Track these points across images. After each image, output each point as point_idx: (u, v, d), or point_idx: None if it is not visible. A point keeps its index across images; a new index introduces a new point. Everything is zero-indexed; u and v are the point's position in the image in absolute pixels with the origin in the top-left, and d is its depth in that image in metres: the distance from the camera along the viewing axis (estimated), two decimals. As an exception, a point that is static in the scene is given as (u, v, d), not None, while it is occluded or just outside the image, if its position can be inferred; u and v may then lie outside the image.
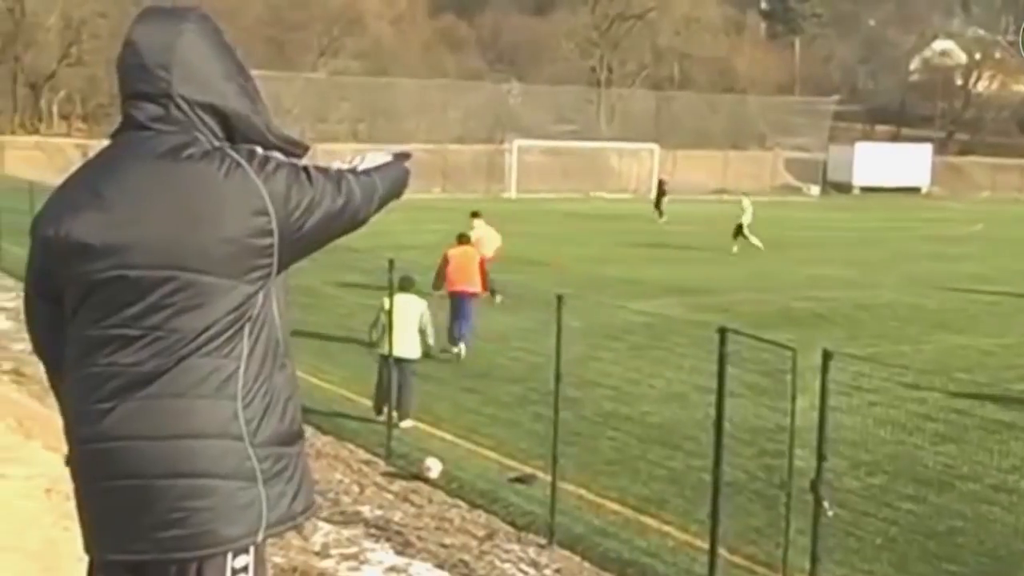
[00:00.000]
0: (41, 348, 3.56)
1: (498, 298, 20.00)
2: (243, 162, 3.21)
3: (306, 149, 3.51)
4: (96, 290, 3.22)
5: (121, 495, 3.21)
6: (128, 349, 3.18)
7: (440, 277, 17.94)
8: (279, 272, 3.32)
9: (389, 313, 13.02)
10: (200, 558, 3.19)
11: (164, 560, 3.21)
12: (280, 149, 3.39)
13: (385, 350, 13.07)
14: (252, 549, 3.27)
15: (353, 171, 3.48)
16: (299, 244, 3.31)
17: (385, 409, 12.80)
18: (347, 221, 3.43)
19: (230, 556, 3.21)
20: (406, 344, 13.27)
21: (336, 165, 3.50)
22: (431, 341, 13.82)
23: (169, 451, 3.17)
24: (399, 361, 13.10)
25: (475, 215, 22.57)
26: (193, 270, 3.15)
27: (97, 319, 3.23)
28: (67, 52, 65.05)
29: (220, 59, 3.32)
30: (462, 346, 17.29)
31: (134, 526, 3.21)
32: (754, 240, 34.53)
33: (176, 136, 3.22)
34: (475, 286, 18.09)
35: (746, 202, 35.95)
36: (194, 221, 3.14)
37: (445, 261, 18.17)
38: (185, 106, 3.24)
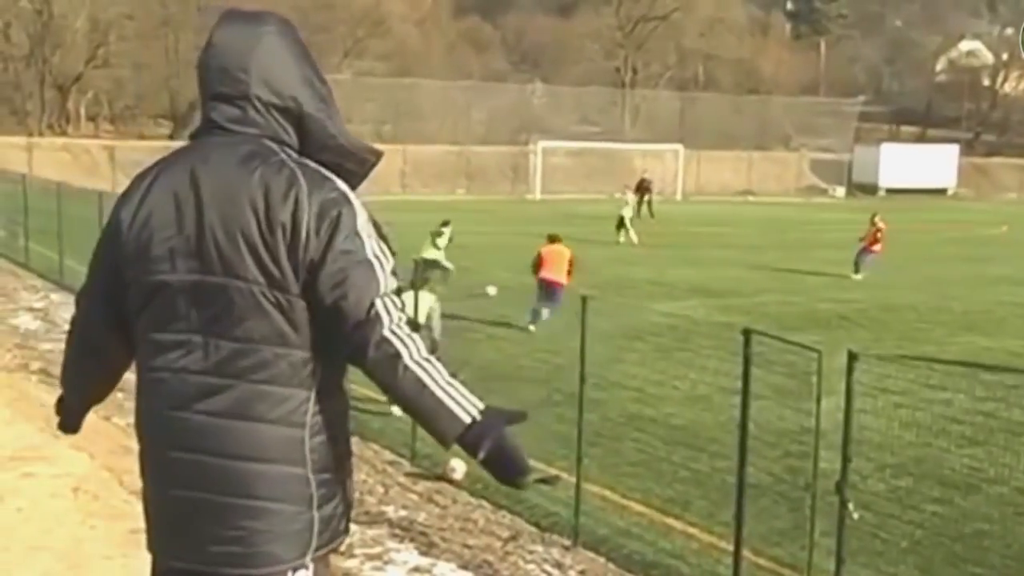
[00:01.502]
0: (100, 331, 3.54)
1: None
2: (303, 186, 3.19)
3: (379, 155, 3.51)
4: (162, 293, 3.27)
5: (185, 505, 3.27)
6: (195, 356, 3.23)
7: (536, 267, 20.89)
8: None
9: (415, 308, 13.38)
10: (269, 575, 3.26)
11: (216, 574, 3.27)
12: (351, 154, 3.43)
13: None
14: (311, 564, 3.32)
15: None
16: (312, 302, 3.20)
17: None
18: (356, 339, 3.17)
19: (290, 572, 3.27)
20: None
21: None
22: (436, 335, 14.13)
23: (237, 472, 3.22)
24: None
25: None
26: (252, 281, 3.18)
27: (164, 323, 3.27)
28: (94, 54, 65.41)
29: (298, 63, 3.35)
30: (532, 327, 19.70)
31: (193, 537, 3.27)
32: (632, 235, 36.48)
33: (253, 141, 3.27)
34: (562, 278, 20.53)
35: (629, 196, 39.49)
36: (258, 234, 3.17)
37: (539, 257, 21.00)
38: (262, 108, 3.29)
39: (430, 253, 24.15)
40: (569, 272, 20.73)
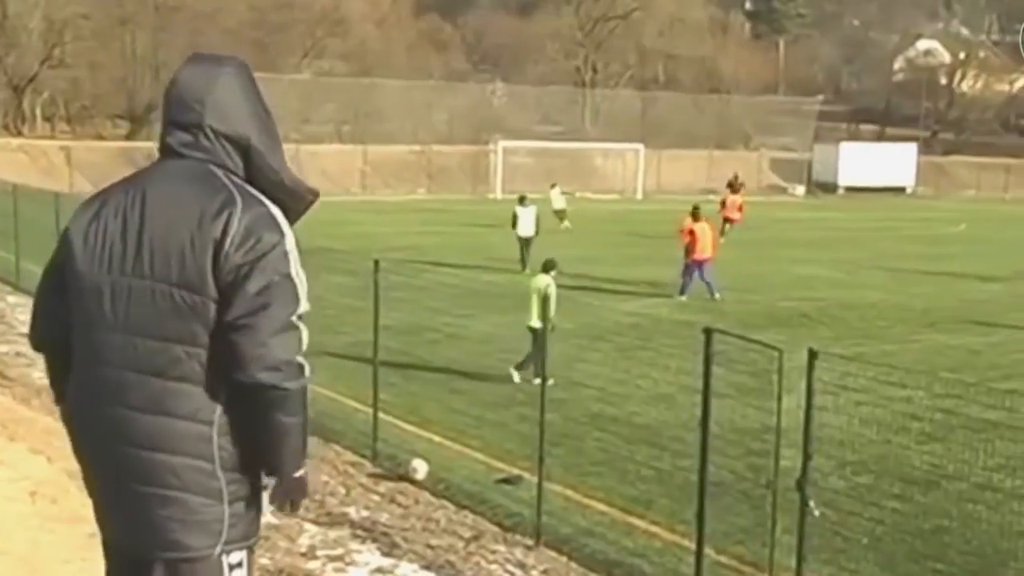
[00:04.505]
0: (50, 341, 3.94)
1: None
2: (237, 203, 3.59)
3: (317, 195, 3.95)
4: (96, 295, 3.66)
5: (110, 493, 3.71)
6: (117, 353, 3.60)
7: (690, 246, 24.51)
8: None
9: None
10: (191, 559, 3.62)
11: (137, 555, 3.68)
12: (291, 191, 3.85)
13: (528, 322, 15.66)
14: (246, 548, 3.72)
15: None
16: (231, 306, 3.53)
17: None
18: (249, 342, 3.53)
19: (224, 555, 3.64)
20: (536, 316, 15.25)
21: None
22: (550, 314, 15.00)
23: (151, 463, 3.58)
24: (535, 330, 15.22)
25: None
26: (175, 284, 3.56)
27: (94, 322, 3.66)
28: (50, 54, 64.74)
29: (249, 101, 3.80)
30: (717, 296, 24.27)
31: (118, 520, 3.73)
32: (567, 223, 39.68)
33: (200, 165, 3.70)
34: (710, 252, 24.65)
35: (554, 192, 42.88)
36: (189, 244, 3.56)
37: (693, 235, 24.49)
38: (212, 136, 3.71)
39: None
40: (713, 244, 24.70)
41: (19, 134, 64.14)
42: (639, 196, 64.42)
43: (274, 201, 3.72)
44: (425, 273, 18.67)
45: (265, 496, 3.80)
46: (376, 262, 12.18)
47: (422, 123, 70.41)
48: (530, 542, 9.51)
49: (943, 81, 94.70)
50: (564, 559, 9.29)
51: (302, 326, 3.60)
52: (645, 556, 9.52)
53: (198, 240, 3.53)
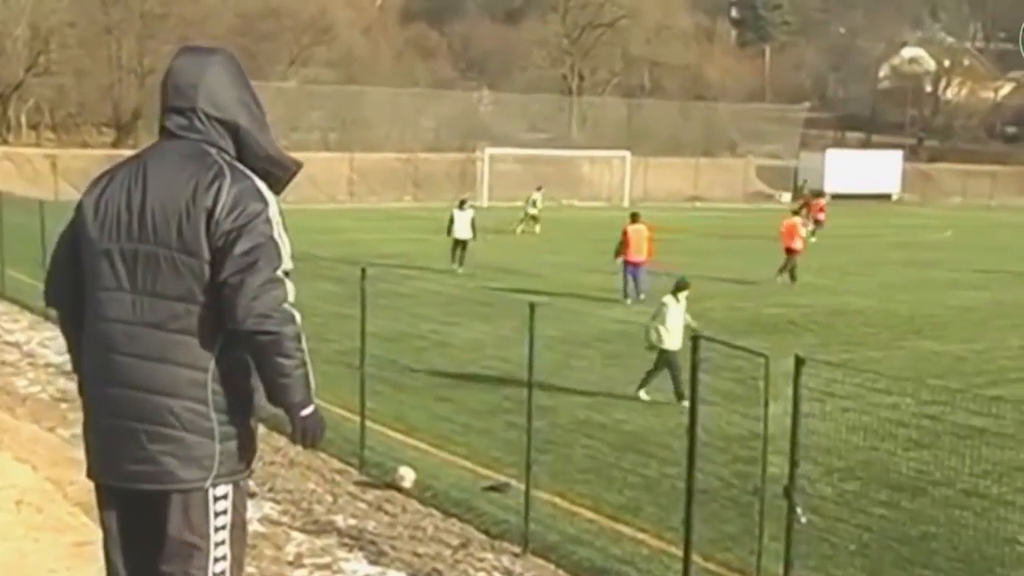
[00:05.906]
0: (62, 299, 4.40)
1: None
2: (227, 177, 4.05)
3: (300, 165, 4.42)
4: (106, 259, 4.12)
5: (112, 430, 4.13)
6: (125, 308, 4.08)
7: (621, 248, 24.89)
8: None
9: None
10: (181, 491, 4.08)
11: (129, 489, 4.13)
12: (278, 163, 4.33)
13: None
14: (231, 483, 4.18)
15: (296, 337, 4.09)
16: (222, 268, 4.00)
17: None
18: (243, 297, 3.99)
19: (212, 488, 4.13)
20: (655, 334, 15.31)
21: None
22: (654, 330, 15.26)
23: (153, 404, 4.06)
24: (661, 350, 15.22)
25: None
26: (174, 249, 4.03)
27: (104, 283, 4.12)
28: (35, 61, 64.48)
29: (236, 88, 4.26)
30: (641, 297, 23.55)
31: (117, 457, 4.13)
32: (536, 227, 41.68)
33: (195, 145, 4.15)
34: (643, 256, 24.78)
35: (536, 195, 44.51)
36: (185, 213, 4.02)
37: (625, 237, 24.83)
38: (205, 119, 4.18)
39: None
40: (648, 250, 24.73)
41: (4, 142, 63.84)
42: (626, 203, 64.37)
43: (263, 173, 4.21)
44: (411, 280, 18.67)
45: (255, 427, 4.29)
46: (363, 269, 12.16)
47: (409, 130, 70.38)
48: (518, 550, 9.50)
49: (928, 88, 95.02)
50: (552, 567, 9.28)
51: (288, 280, 4.06)
52: (633, 563, 9.51)
53: (193, 210, 4.00)
